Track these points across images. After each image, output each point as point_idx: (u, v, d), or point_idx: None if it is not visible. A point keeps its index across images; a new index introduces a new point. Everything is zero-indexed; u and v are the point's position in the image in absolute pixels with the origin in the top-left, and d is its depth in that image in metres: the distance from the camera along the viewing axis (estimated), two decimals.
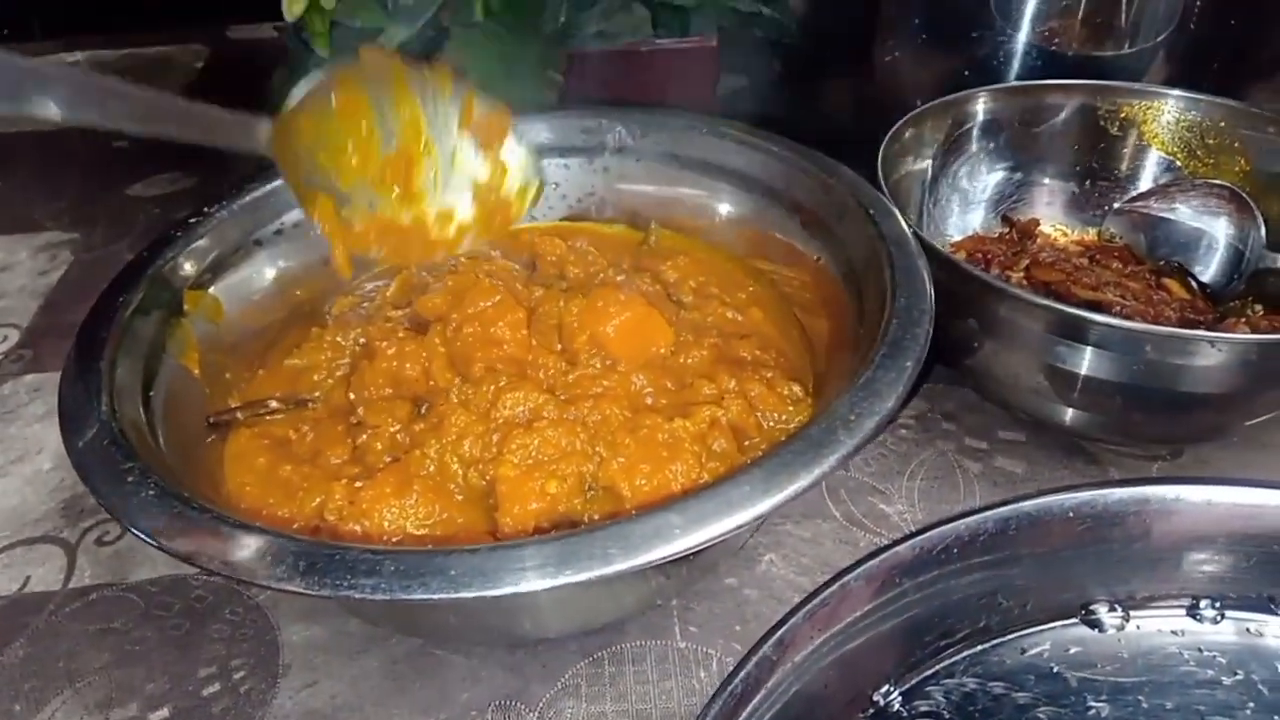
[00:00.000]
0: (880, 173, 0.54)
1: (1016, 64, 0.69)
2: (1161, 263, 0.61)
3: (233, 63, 1.03)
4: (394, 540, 0.40)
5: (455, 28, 0.69)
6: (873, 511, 0.50)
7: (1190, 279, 0.59)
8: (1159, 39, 0.67)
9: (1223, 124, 0.60)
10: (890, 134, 0.56)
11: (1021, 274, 0.56)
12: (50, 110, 0.36)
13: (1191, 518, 0.43)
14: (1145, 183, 0.63)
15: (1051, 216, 0.64)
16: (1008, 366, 0.51)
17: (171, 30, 1.08)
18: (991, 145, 0.62)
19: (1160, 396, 0.47)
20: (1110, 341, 0.45)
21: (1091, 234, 0.64)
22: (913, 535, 0.40)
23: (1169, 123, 0.62)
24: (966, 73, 0.71)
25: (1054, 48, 0.68)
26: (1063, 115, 0.62)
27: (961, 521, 0.42)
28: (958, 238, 0.62)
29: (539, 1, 0.69)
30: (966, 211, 0.63)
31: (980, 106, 0.61)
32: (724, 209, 0.57)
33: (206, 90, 0.94)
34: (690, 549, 0.33)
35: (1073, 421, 0.51)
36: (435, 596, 0.32)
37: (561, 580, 0.32)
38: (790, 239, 0.53)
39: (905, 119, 0.57)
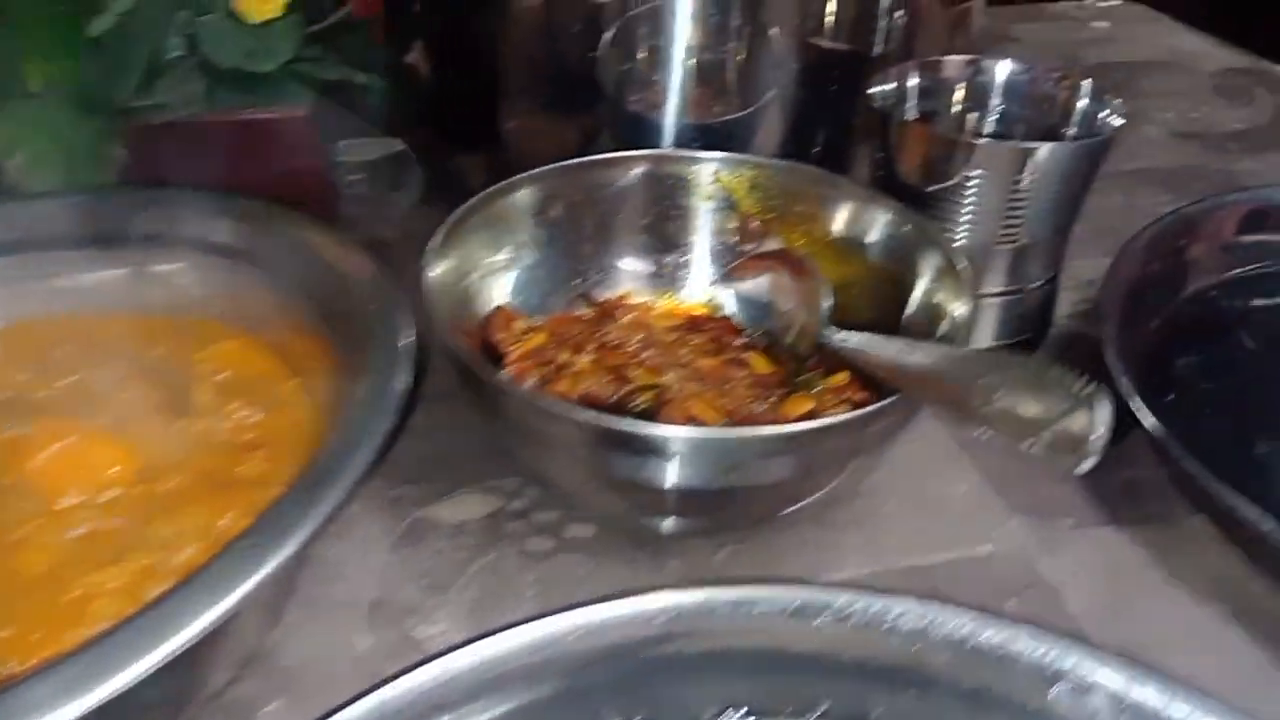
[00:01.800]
0: (426, 276, 0.50)
1: (635, 132, 0.67)
2: (759, 333, 0.60)
3: None
4: None
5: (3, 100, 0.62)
6: (403, 641, 0.45)
7: (782, 349, 0.58)
8: (765, 101, 0.67)
9: (801, 189, 0.59)
10: (437, 236, 0.52)
11: (590, 357, 0.53)
12: None
13: (723, 623, 0.40)
14: (734, 249, 0.62)
15: (655, 289, 0.62)
16: (550, 468, 0.47)
17: None
18: (560, 226, 0.59)
19: (706, 492, 0.45)
20: (636, 443, 0.42)
21: (702, 306, 0.63)
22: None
23: (755, 188, 0.61)
24: (589, 142, 0.69)
25: (659, 116, 0.66)
26: (633, 186, 0.60)
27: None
28: (540, 320, 0.58)
29: (103, 69, 0.62)
30: (554, 293, 0.60)
31: (530, 192, 0.58)
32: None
33: None
34: None
35: (630, 515, 0.48)
36: None
37: None
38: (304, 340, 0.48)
39: (454, 217, 0.53)
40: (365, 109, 0.70)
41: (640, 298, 0.62)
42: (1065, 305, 0.68)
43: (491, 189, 0.56)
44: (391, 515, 0.51)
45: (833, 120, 0.68)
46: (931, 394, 0.42)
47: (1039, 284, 0.60)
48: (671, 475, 0.43)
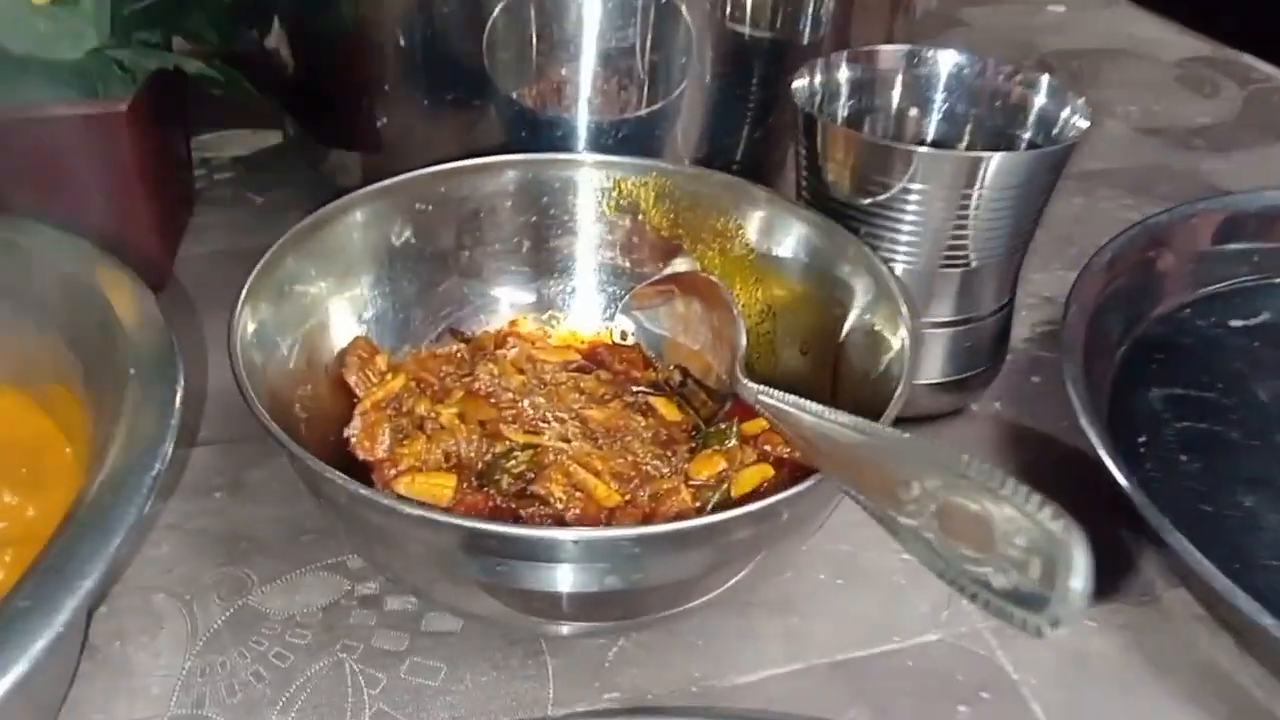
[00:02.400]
0: (238, 315, 0.40)
1: (526, 131, 0.58)
2: (668, 367, 0.51)
3: None
4: None
5: None
6: None
7: (693, 389, 0.49)
8: (676, 96, 0.58)
9: (715, 200, 0.50)
10: (259, 268, 0.42)
11: (454, 409, 0.44)
12: None
13: None
14: (641, 270, 0.53)
15: (544, 318, 0.53)
16: (396, 565, 0.38)
17: None
18: (423, 247, 0.49)
19: (588, 594, 0.35)
20: (486, 543, 0.33)
21: (599, 332, 0.53)
22: None
23: (663, 198, 0.51)
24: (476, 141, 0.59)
25: (558, 113, 0.57)
26: (509, 196, 0.51)
27: None
28: (403, 356, 0.49)
29: None
30: (423, 323, 0.50)
31: (379, 208, 0.48)
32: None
33: None
34: None
35: (501, 613, 0.39)
36: None
37: None
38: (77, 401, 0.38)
39: (277, 246, 0.43)
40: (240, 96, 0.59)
41: (530, 327, 0.52)
42: (1022, 327, 0.60)
43: (326, 208, 0.46)
44: (205, 606, 0.42)
45: (755, 120, 0.59)
46: (852, 478, 0.33)
47: (992, 312, 0.51)
48: (543, 580, 0.34)
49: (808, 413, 0.36)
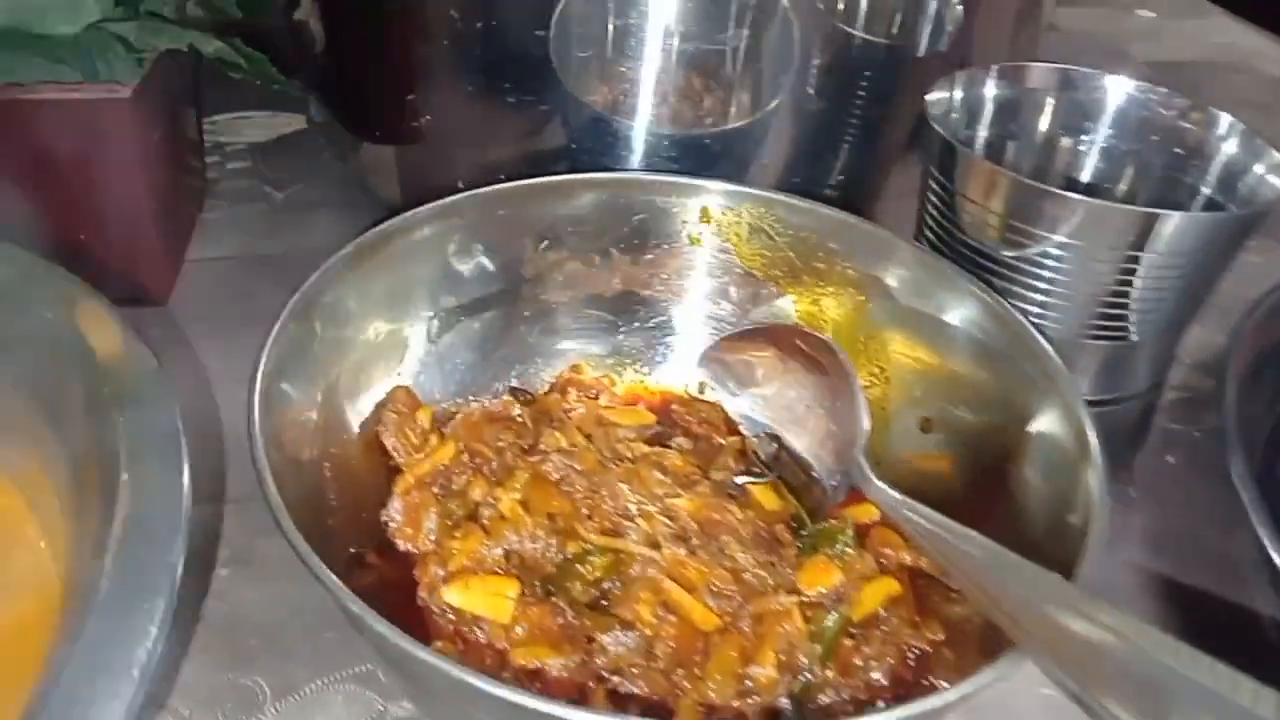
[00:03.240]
0: (267, 355, 0.32)
1: (593, 139, 0.50)
2: (756, 436, 0.43)
3: None
4: None
5: None
6: None
7: (787, 464, 0.42)
8: (771, 109, 0.49)
9: (827, 241, 0.42)
10: (297, 298, 0.34)
11: (515, 495, 0.36)
12: None
13: None
14: (726, 316, 0.45)
15: (614, 364, 0.45)
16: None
17: None
18: (481, 280, 0.41)
19: None
20: None
21: (673, 384, 0.46)
22: None
23: (758, 233, 0.44)
24: (533, 147, 0.51)
25: (632, 120, 0.49)
26: (586, 222, 0.43)
27: None
28: (453, 409, 0.41)
29: None
30: (477, 371, 0.42)
31: (435, 231, 0.40)
32: None
33: None
34: None
35: None
36: None
37: None
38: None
39: (311, 283, 0.35)
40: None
41: (593, 373, 0.45)
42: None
43: (376, 230, 0.38)
44: None
45: (857, 141, 0.51)
46: (1051, 652, 0.25)
47: (1140, 394, 0.44)
48: None
49: (954, 535, 0.28)
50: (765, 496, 0.39)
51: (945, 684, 0.27)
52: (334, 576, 0.26)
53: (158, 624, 0.22)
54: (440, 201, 0.39)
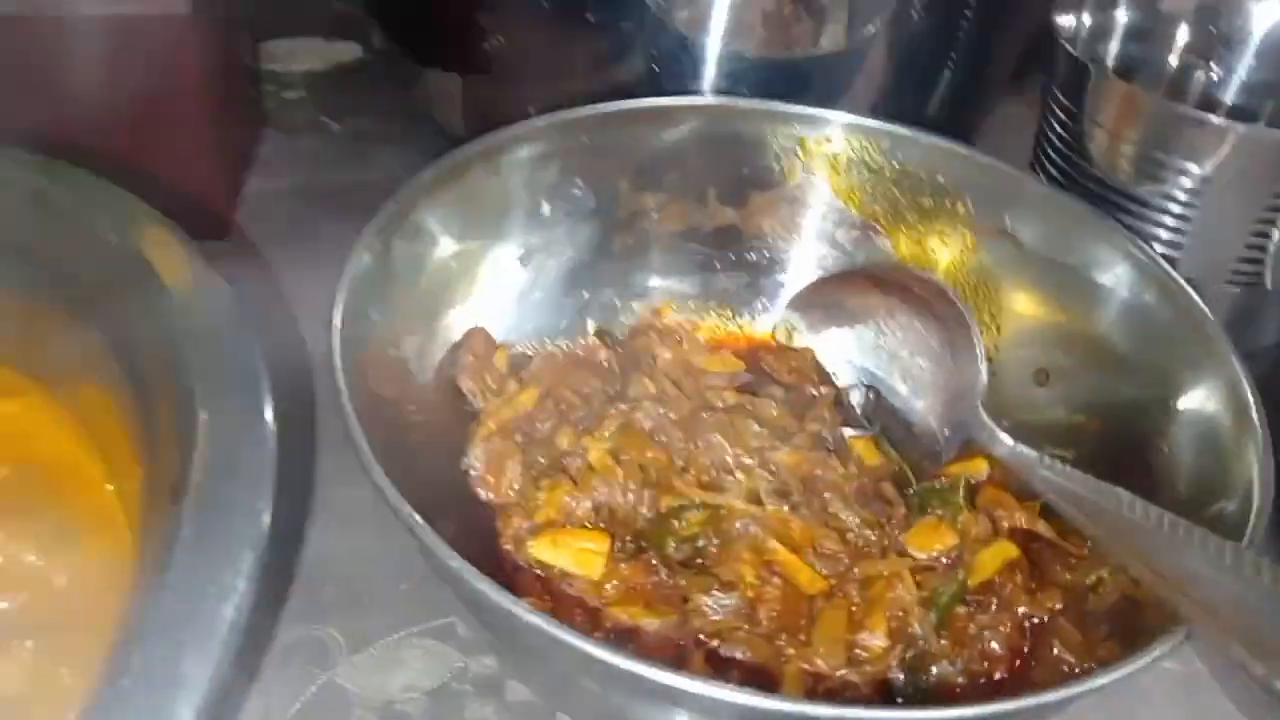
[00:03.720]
0: (345, 286, 0.30)
1: (674, 62, 0.46)
2: (853, 387, 0.40)
3: None
4: None
5: None
6: None
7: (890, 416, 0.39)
8: (870, 32, 0.46)
9: (941, 178, 0.39)
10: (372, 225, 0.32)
11: (605, 445, 0.33)
12: None
13: None
14: (820, 256, 0.42)
15: (698, 306, 0.42)
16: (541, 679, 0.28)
17: None
18: (567, 211, 0.39)
19: None
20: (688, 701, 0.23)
21: (760, 329, 0.43)
22: None
23: (856, 167, 0.40)
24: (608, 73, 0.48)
25: (698, 39, 0.45)
26: (680, 152, 0.40)
27: None
28: (533, 351, 0.38)
29: None
30: (557, 312, 0.39)
31: (520, 156, 0.37)
32: None
33: None
34: None
35: None
36: None
37: None
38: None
39: (389, 207, 0.33)
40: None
41: (680, 314, 0.42)
42: None
43: (456, 154, 0.35)
44: (279, 680, 0.32)
45: (965, 68, 0.47)
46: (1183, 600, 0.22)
47: (1270, 347, 0.40)
48: None
49: (1087, 487, 0.25)
50: (867, 451, 0.36)
51: (1098, 664, 0.24)
52: (432, 531, 0.24)
53: (245, 577, 0.20)
54: (526, 123, 0.36)
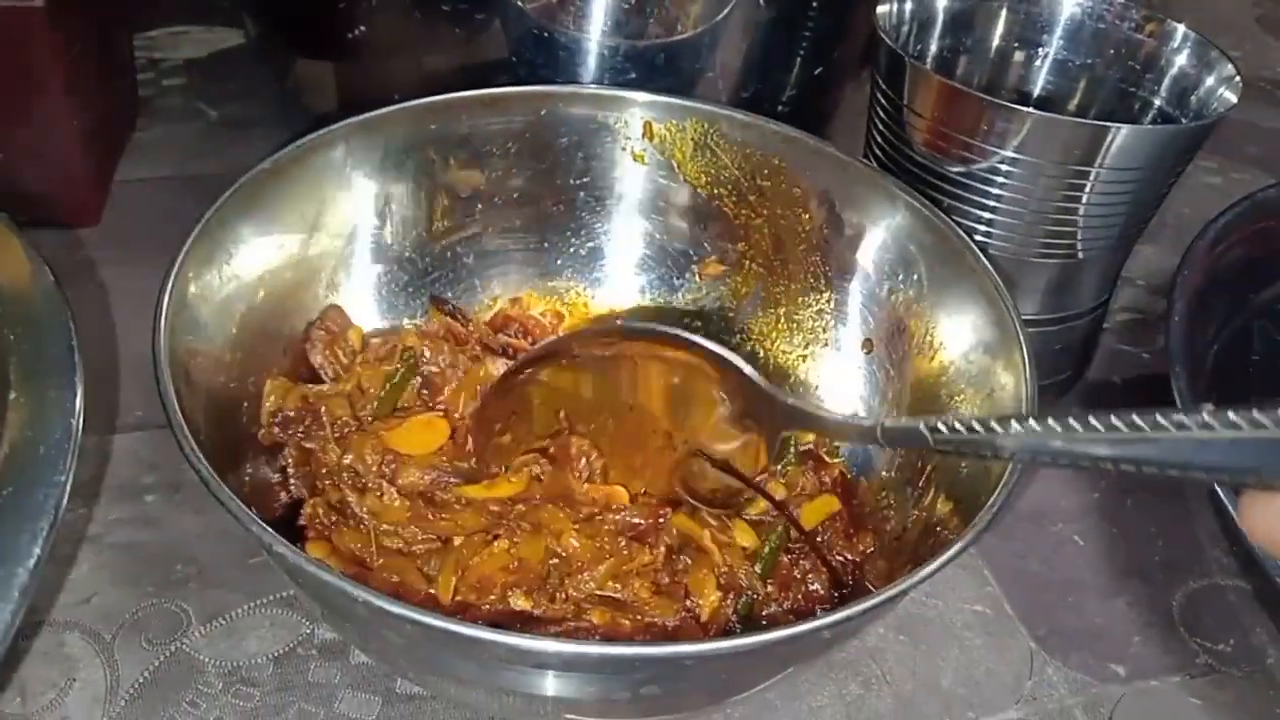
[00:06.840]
0: (173, 276, 0.31)
1: (539, 52, 0.48)
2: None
3: None
4: None
5: None
6: None
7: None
8: (719, 20, 0.47)
9: (770, 158, 0.41)
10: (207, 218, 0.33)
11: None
12: None
13: None
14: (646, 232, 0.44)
15: (542, 286, 0.44)
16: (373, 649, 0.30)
17: None
18: (411, 199, 0.40)
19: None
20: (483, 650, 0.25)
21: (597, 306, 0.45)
22: None
23: (702, 150, 0.42)
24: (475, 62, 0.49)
25: (574, 32, 0.47)
26: (522, 138, 0.41)
27: None
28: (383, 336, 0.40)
29: None
30: (409, 291, 0.41)
31: (360, 145, 0.38)
32: None
33: None
34: None
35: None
36: None
37: None
38: None
39: (226, 196, 0.34)
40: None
41: (540, 307, 0.44)
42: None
43: (295, 145, 0.36)
44: (130, 650, 0.34)
45: (810, 56, 0.49)
46: None
47: (1088, 311, 0.43)
48: (550, 688, 0.26)
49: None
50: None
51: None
52: (224, 487, 0.25)
53: (40, 544, 0.21)
54: (361, 116, 0.38)
